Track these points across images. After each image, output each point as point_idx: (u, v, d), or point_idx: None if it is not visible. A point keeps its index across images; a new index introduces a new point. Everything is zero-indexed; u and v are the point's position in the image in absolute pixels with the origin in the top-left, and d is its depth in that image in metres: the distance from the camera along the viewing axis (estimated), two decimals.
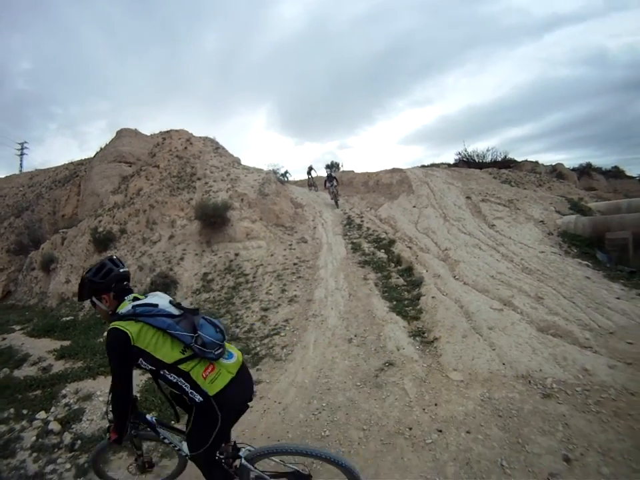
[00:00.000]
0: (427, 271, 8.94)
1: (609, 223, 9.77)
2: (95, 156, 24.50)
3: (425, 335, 6.73)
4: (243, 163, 18.69)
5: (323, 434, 4.79)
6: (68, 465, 4.54)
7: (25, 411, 5.64)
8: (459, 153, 25.22)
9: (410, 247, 10.57)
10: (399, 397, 5.25)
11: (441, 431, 4.53)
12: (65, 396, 6.05)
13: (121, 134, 23.64)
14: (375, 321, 7.29)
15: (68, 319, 10.75)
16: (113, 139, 23.89)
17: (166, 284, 10.36)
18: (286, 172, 24.60)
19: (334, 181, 17.50)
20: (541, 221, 11.35)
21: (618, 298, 7.02)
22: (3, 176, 35.10)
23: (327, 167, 30.06)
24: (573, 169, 29.97)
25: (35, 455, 4.74)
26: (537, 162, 26.47)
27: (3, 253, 22.75)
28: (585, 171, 32.36)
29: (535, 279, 8.05)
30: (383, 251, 10.72)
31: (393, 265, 9.90)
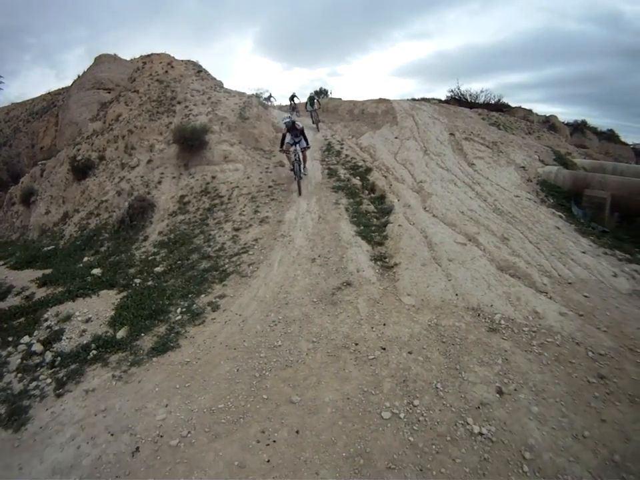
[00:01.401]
0: (398, 200, 8.85)
1: (590, 180, 9.66)
2: (72, 84, 23.28)
3: (387, 260, 6.76)
4: (228, 87, 17.75)
5: (275, 344, 4.99)
6: (49, 380, 4.97)
7: (10, 338, 5.91)
8: (452, 91, 24.43)
9: (386, 177, 10.39)
10: (350, 315, 5.37)
11: (384, 349, 4.63)
12: (46, 319, 6.26)
13: (100, 60, 22.48)
14: (340, 243, 7.30)
15: (49, 248, 10.66)
16: (91, 66, 22.68)
17: (143, 207, 10.22)
18: (270, 96, 23.85)
19: (315, 104, 16.94)
20: (522, 167, 11.21)
21: (584, 252, 7.04)
22: None
23: (315, 93, 29.18)
24: (567, 124, 29.31)
25: (19, 375, 5.13)
26: (530, 110, 25.81)
27: None
28: (579, 127, 31.63)
29: (504, 220, 8.02)
30: (358, 178, 10.53)
31: (366, 192, 9.77)
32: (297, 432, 3.68)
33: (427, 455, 3.36)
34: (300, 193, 9.96)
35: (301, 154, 10.59)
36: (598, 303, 5.40)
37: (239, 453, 3.53)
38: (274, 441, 3.61)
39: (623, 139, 35.94)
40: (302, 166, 10.71)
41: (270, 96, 23.39)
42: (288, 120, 10.52)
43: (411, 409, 3.79)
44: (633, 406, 3.76)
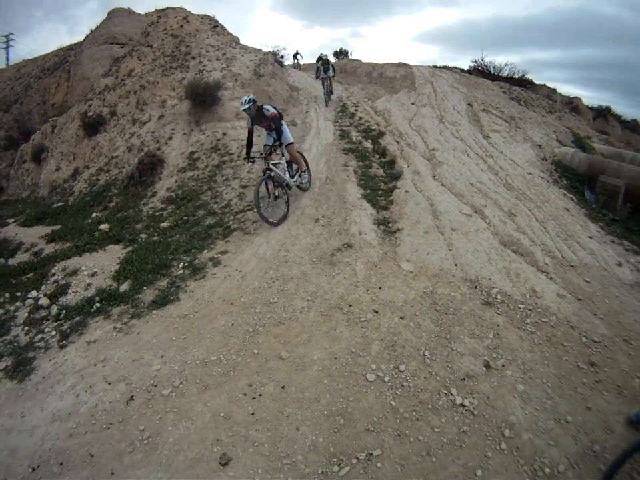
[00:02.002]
0: (408, 167, 8.70)
1: (606, 166, 9.42)
2: (84, 39, 23.06)
3: (390, 224, 6.70)
4: (245, 43, 17.36)
5: (271, 300, 5.03)
6: (53, 332, 5.15)
7: (18, 294, 6.04)
8: (475, 61, 23.97)
9: (398, 142, 10.19)
10: (347, 276, 5.35)
11: (377, 312, 4.62)
12: (54, 274, 6.36)
13: (113, 14, 22.26)
14: (345, 205, 7.22)
15: (59, 205, 10.66)
16: (104, 20, 22.49)
17: (153, 163, 10.19)
18: (296, 53, 23.73)
19: (330, 70, 13.80)
20: (539, 145, 10.94)
21: (590, 237, 6.91)
22: None
23: (335, 53, 28.59)
24: (591, 108, 28.67)
25: (26, 329, 5.29)
26: (554, 89, 25.18)
27: None
28: (603, 113, 30.79)
29: (513, 196, 7.87)
30: (370, 141, 10.35)
31: (377, 156, 9.60)
32: (283, 387, 3.74)
33: (406, 420, 3.37)
34: (269, 222, 6.76)
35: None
36: (598, 290, 5.32)
37: (225, 404, 3.61)
38: (260, 395, 3.67)
39: None
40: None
41: (297, 53, 23.43)
42: (247, 105, 6.70)
43: (396, 373, 3.80)
44: (620, 397, 3.72)
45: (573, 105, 23.56)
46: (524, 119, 12.79)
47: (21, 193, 16.02)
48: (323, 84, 13.81)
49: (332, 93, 14.22)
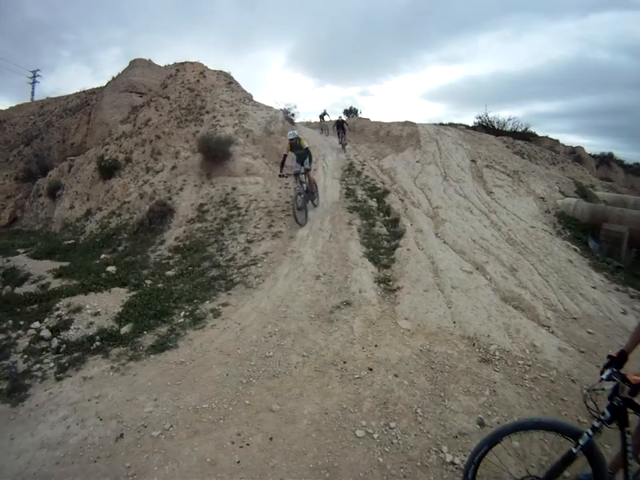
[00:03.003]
0: (411, 225, 8.91)
1: (608, 214, 9.53)
2: (106, 85, 24.26)
3: (390, 283, 6.83)
4: (258, 99, 18.18)
5: (267, 354, 5.13)
6: (52, 364, 5.27)
7: (21, 322, 6.25)
8: (479, 117, 24.67)
9: (402, 200, 10.45)
10: (344, 334, 5.45)
11: (371, 369, 4.69)
12: (58, 309, 6.53)
13: (134, 64, 23.47)
14: (347, 263, 7.42)
15: (69, 242, 11.17)
16: (125, 69, 23.66)
17: (163, 212, 10.60)
18: (292, 114, 23.68)
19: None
20: (541, 198, 11.14)
21: (594, 287, 6.94)
22: (14, 104, 34.54)
23: (345, 112, 29.39)
24: (594, 156, 29.04)
25: (25, 356, 5.44)
26: (557, 140, 25.61)
27: (12, 180, 22.84)
28: (605, 160, 31.28)
29: (515, 251, 7.98)
30: (375, 200, 10.64)
31: (381, 214, 9.86)
32: (271, 439, 3.76)
33: (393, 477, 3.36)
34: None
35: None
36: (602, 340, 5.32)
37: (213, 451, 3.64)
38: (247, 444, 3.69)
39: None
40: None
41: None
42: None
43: (386, 430, 3.81)
44: None
45: (576, 154, 23.83)
46: (527, 172, 13.05)
47: (34, 226, 16.57)
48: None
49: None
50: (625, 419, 2.42)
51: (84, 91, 29.91)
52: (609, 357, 2.64)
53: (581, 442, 2.40)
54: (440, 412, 4.06)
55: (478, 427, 3.88)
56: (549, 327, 5.63)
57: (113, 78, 23.77)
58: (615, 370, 2.49)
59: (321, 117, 21.26)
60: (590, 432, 2.40)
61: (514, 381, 4.54)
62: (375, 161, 14.40)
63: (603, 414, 2.40)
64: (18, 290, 7.43)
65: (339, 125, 17.20)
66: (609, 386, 2.44)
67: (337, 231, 8.81)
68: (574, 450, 2.43)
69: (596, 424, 2.41)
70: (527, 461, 2.98)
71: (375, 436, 3.76)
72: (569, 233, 9.43)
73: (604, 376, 2.50)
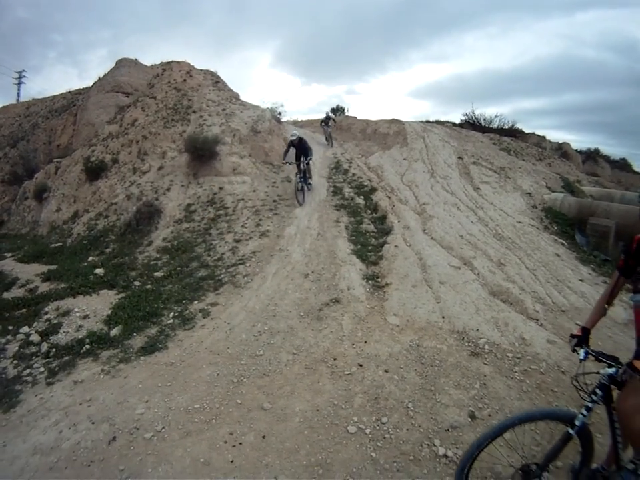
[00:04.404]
0: (398, 222, 8.94)
1: (595, 208, 9.63)
2: (92, 85, 24.08)
3: (379, 279, 6.84)
4: (245, 99, 18.10)
5: (257, 353, 5.13)
6: (42, 369, 5.27)
7: (10, 327, 6.22)
8: (466, 114, 24.68)
9: (389, 197, 10.50)
10: (334, 331, 5.45)
11: (361, 366, 4.69)
12: (46, 313, 6.55)
13: (121, 64, 23.27)
14: (335, 261, 7.41)
15: (56, 245, 11.02)
16: (112, 69, 23.45)
17: (150, 213, 10.54)
18: (279, 112, 21.70)
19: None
20: (528, 193, 11.22)
21: (581, 280, 7.01)
22: None
23: (332, 110, 29.21)
24: (580, 152, 29.23)
25: (15, 362, 5.42)
26: (544, 137, 25.93)
27: None
28: (592, 155, 31.44)
29: (502, 246, 8.03)
30: (362, 197, 10.68)
31: (369, 212, 9.89)
32: (263, 437, 3.75)
33: (386, 471, 3.36)
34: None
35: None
36: (591, 332, 5.36)
37: (206, 451, 3.63)
38: (240, 443, 3.68)
39: (635, 168, 35.76)
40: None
41: (327, 118, 18.29)
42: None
43: (378, 425, 3.81)
44: None
45: (562, 150, 24.00)
46: (513, 168, 13.15)
47: (20, 229, 16.31)
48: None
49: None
50: (610, 396, 2.47)
51: (70, 92, 29.71)
52: (574, 335, 2.70)
53: (577, 422, 2.45)
54: (431, 406, 4.07)
55: (469, 419, 3.89)
56: (537, 319, 5.67)
57: (99, 78, 23.60)
58: (585, 347, 2.57)
59: (324, 122, 17.69)
60: (584, 412, 2.45)
61: (504, 373, 4.56)
62: (362, 159, 14.44)
63: (594, 393, 2.45)
64: (6, 295, 7.37)
65: (326, 119, 17.53)
66: (605, 371, 2.45)
67: (325, 229, 8.82)
68: (570, 431, 2.48)
69: (589, 404, 2.45)
70: (520, 452, 2.98)
71: (367, 431, 3.76)
72: (556, 228, 9.50)
73: (581, 356, 2.55)
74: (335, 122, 18.59)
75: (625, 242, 8.45)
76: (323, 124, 17.74)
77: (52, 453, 3.75)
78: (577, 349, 2.63)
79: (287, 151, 11.33)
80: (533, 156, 16.33)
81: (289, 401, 4.23)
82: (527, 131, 25.30)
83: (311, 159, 11.36)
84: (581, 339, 2.63)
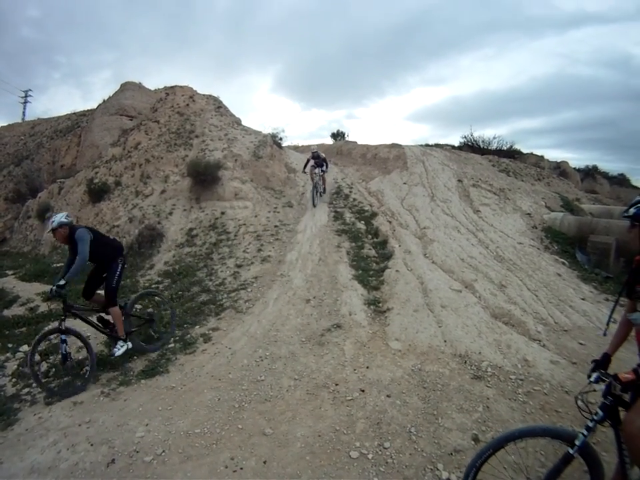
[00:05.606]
0: (399, 246, 8.98)
1: (595, 225, 9.68)
2: (97, 108, 24.49)
3: (380, 304, 6.86)
4: (246, 123, 18.30)
5: (258, 378, 5.12)
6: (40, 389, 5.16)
7: (10, 345, 6.27)
8: (465, 137, 24.64)
9: (390, 222, 10.57)
10: (336, 356, 5.46)
11: (363, 391, 4.69)
12: None
13: (125, 87, 23.82)
14: (337, 286, 7.46)
15: (58, 265, 11.01)
16: (116, 92, 23.95)
17: (152, 236, 10.66)
18: (280, 138, 20.24)
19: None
20: (528, 214, 11.30)
21: (583, 299, 7.03)
22: (5, 124, 34.87)
23: (332, 135, 29.25)
24: (578, 170, 29.46)
25: (14, 380, 5.44)
26: (542, 156, 26.27)
27: (1, 200, 22.81)
28: (590, 173, 31.69)
29: (503, 268, 8.07)
30: (363, 222, 10.74)
31: (369, 236, 9.94)
32: (265, 462, 3.73)
33: None
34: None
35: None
36: (593, 351, 5.32)
37: (206, 475, 3.60)
38: (241, 469, 3.66)
39: (634, 183, 35.84)
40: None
41: (280, 138, 19.16)
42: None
43: (380, 450, 3.80)
44: None
45: (560, 169, 24.24)
46: (513, 189, 13.26)
47: (22, 247, 16.46)
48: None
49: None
50: (617, 417, 2.50)
51: (74, 113, 30.25)
52: (594, 361, 2.76)
53: (577, 443, 2.46)
54: (434, 430, 4.06)
55: (473, 443, 3.87)
56: (539, 340, 5.68)
57: (104, 100, 24.04)
58: (602, 372, 2.61)
59: (315, 163, 12.78)
60: (585, 432, 2.47)
61: (507, 395, 4.55)
62: (362, 184, 14.57)
63: (596, 413, 2.48)
64: (6, 312, 7.44)
65: (316, 160, 12.75)
66: (600, 387, 2.54)
67: (326, 254, 8.86)
68: (570, 451, 2.49)
69: (590, 424, 2.48)
70: (524, 472, 2.99)
71: (370, 456, 3.75)
72: (556, 247, 9.55)
73: (592, 379, 2.61)
74: (327, 165, 13.42)
75: (625, 258, 8.48)
76: (312, 166, 12.71)
77: (49, 472, 3.72)
78: (591, 374, 2.67)
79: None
80: (532, 176, 16.45)
81: (290, 426, 4.21)
82: (525, 151, 25.52)
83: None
84: (598, 363, 2.70)
